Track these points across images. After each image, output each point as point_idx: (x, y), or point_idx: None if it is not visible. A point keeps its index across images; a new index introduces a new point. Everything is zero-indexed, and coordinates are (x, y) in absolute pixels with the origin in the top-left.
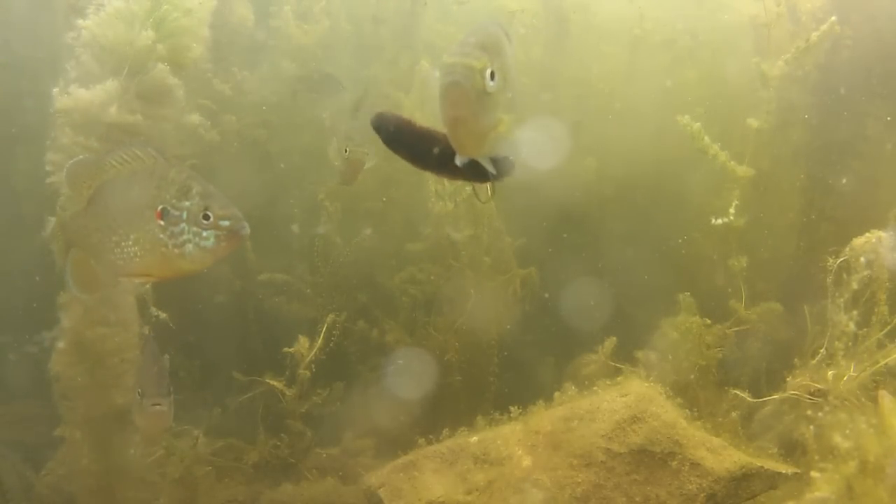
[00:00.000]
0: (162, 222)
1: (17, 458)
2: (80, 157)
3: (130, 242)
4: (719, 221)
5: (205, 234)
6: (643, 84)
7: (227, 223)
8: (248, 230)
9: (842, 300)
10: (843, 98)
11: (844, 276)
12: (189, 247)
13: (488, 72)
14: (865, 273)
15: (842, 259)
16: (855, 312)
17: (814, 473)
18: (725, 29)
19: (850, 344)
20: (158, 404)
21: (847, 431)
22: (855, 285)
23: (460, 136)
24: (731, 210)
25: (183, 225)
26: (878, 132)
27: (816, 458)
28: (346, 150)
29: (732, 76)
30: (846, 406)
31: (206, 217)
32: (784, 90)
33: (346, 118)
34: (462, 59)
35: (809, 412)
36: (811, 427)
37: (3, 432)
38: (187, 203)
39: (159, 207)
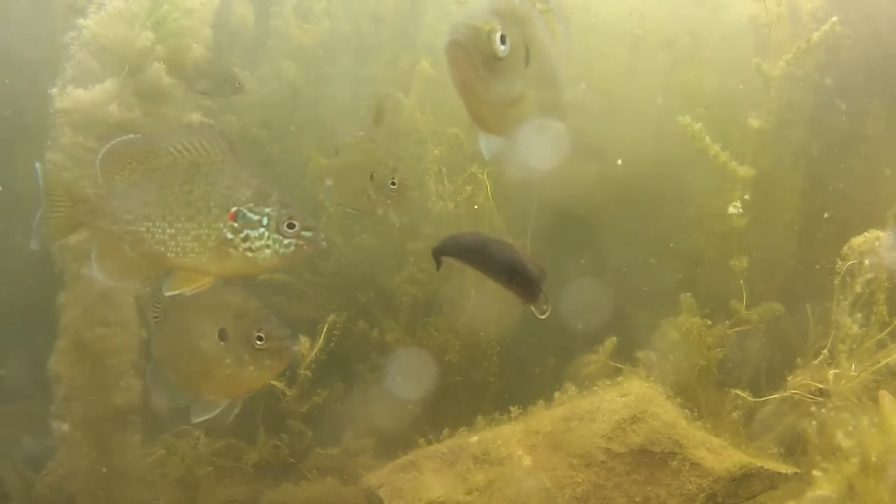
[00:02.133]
0: (235, 224)
1: (17, 458)
2: (129, 136)
3: (189, 238)
4: (734, 211)
5: (286, 241)
6: (643, 84)
7: (309, 234)
8: (325, 244)
9: (846, 302)
10: (844, 98)
11: (847, 277)
12: (267, 252)
13: (497, 35)
14: (869, 275)
15: (850, 263)
16: (859, 315)
17: (815, 472)
18: (725, 29)
19: (853, 346)
20: (288, 344)
21: (849, 429)
22: (858, 287)
23: (473, 107)
24: (739, 205)
25: (262, 230)
26: (878, 132)
27: (818, 457)
28: (392, 182)
29: (733, 76)
30: (847, 405)
31: (292, 226)
32: (784, 90)
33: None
34: (466, 20)
35: (812, 409)
36: (813, 423)
37: (2, 432)
38: (268, 210)
39: (233, 209)
